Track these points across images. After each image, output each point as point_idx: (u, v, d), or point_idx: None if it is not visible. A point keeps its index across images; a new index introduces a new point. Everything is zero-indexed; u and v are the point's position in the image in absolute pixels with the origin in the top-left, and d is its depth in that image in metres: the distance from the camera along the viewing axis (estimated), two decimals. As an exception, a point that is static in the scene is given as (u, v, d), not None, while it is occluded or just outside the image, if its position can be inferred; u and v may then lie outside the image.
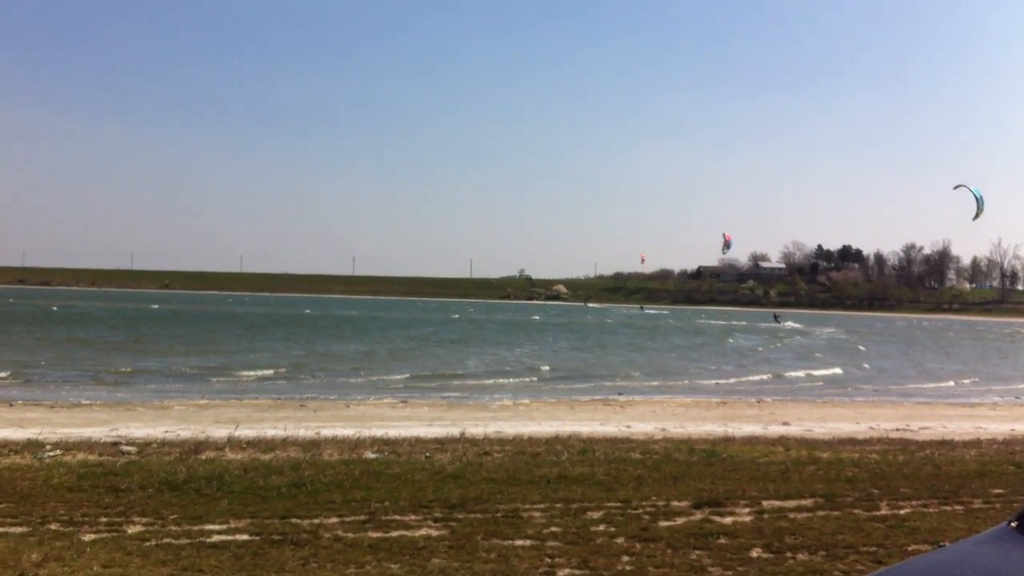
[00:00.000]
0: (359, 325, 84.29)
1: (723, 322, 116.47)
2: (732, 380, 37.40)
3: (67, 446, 13.58)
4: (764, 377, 39.44)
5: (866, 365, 47.68)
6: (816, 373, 41.92)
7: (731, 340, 71.80)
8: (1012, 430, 20.00)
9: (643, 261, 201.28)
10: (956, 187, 27.67)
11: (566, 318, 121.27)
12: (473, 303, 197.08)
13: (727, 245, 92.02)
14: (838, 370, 44.03)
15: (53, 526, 8.61)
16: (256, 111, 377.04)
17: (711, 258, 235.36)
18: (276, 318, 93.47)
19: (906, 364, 51.04)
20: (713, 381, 36.77)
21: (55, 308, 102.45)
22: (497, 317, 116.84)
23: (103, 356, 40.87)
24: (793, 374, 41.39)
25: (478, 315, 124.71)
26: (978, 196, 27.14)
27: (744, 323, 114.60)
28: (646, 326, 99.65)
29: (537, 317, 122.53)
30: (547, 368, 40.88)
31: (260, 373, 34.93)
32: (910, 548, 8.30)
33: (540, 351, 53.91)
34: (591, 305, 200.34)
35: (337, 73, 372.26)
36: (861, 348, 66.57)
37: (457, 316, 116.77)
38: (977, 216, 27.52)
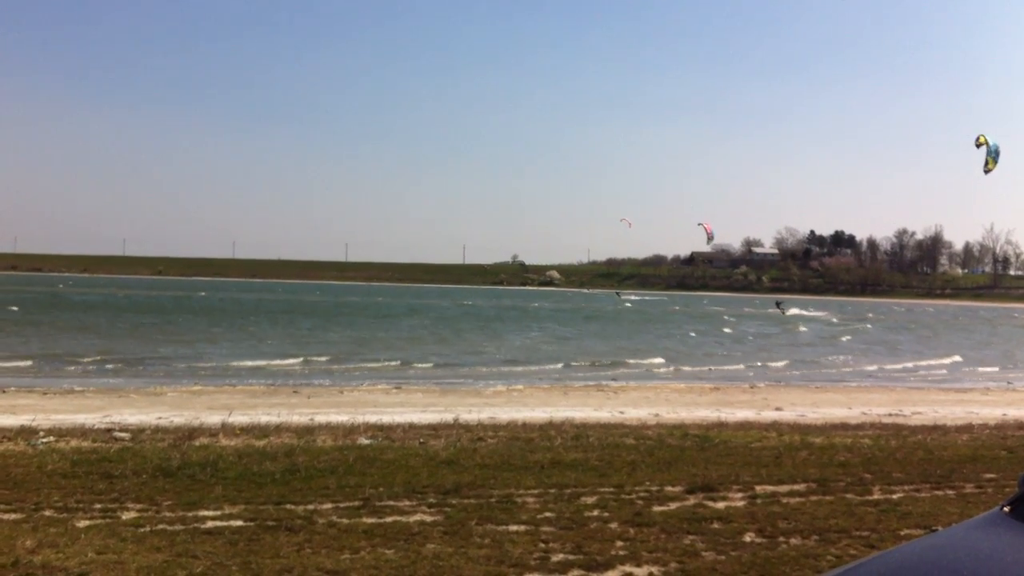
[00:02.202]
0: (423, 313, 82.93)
1: (725, 308, 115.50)
2: (849, 369, 37.87)
3: (61, 432, 13.55)
4: (872, 367, 38.91)
5: (957, 357, 45.24)
6: (926, 363, 41.55)
7: (803, 328, 70.82)
8: (1004, 415, 20.08)
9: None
10: (978, 144, 26.06)
11: (608, 305, 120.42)
12: (493, 290, 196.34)
13: (710, 238, 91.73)
14: (957, 357, 44.07)
15: (47, 512, 8.60)
16: (248, 97, 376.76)
17: (704, 244, 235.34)
18: (347, 308, 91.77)
19: (994, 353, 50.67)
20: (849, 369, 37.26)
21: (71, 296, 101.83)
22: (534, 305, 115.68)
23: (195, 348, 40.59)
24: (907, 364, 40.75)
25: (514, 302, 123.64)
26: (992, 147, 25.65)
27: (750, 310, 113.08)
28: (695, 314, 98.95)
29: (620, 303, 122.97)
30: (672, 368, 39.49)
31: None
32: (903, 533, 8.33)
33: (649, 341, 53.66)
34: (585, 291, 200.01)
35: (329, 59, 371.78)
36: (928, 335, 66.72)
37: (469, 303, 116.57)
38: (989, 169, 25.86)
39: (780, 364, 39.49)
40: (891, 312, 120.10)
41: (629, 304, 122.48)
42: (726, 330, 67.70)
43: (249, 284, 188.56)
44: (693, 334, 62.01)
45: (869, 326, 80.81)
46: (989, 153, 25.28)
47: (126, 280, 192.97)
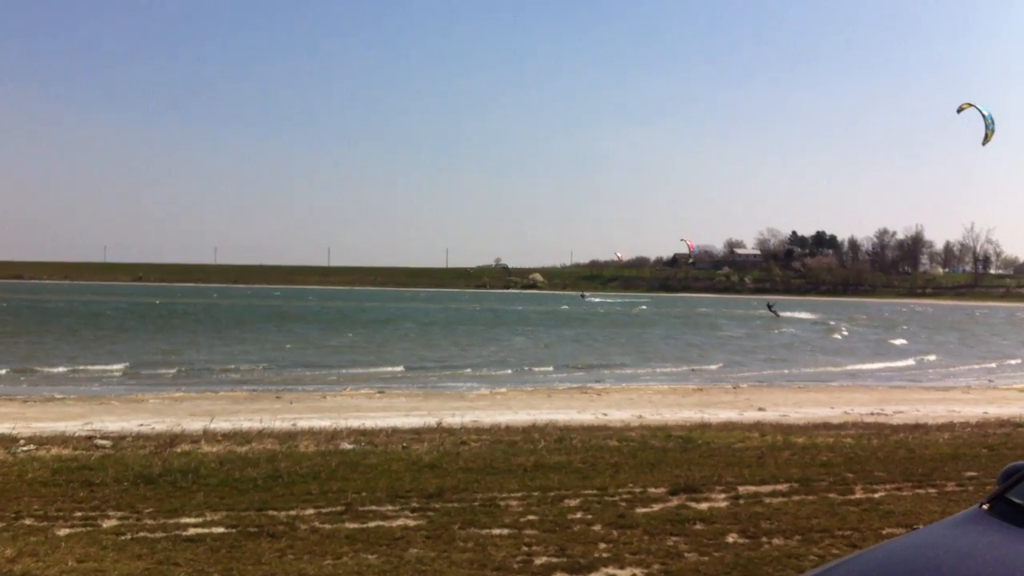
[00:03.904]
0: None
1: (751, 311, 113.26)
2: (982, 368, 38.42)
3: (41, 440, 13.46)
4: (970, 368, 39.47)
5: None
6: (996, 364, 41.85)
7: (844, 332, 68.27)
8: (985, 413, 20.18)
9: (618, 257, 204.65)
10: (960, 109, 24.46)
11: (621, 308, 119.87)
12: (491, 294, 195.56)
13: (691, 255, 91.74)
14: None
15: (27, 521, 8.53)
16: (229, 102, 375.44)
17: (686, 250, 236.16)
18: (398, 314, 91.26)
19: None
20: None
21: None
22: (555, 307, 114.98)
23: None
24: (989, 365, 41.14)
25: (535, 306, 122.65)
26: (987, 116, 24.27)
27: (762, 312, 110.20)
28: (740, 315, 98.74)
29: (644, 306, 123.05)
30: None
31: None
32: (884, 531, 8.37)
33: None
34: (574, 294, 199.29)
35: (311, 64, 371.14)
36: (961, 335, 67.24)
37: (477, 307, 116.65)
38: (987, 140, 24.32)
39: (878, 366, 39.56)
40: (898, 313, 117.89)
41: (644, 307, 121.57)
42: (775, 331, 67.24)
43: (267, 291, 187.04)
44: (742, 335, 61.42)
45: (905, 327, 79.90)
46: (988, 127, 24.29)
47: (122, 288, 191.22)
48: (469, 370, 34.68)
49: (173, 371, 32.16)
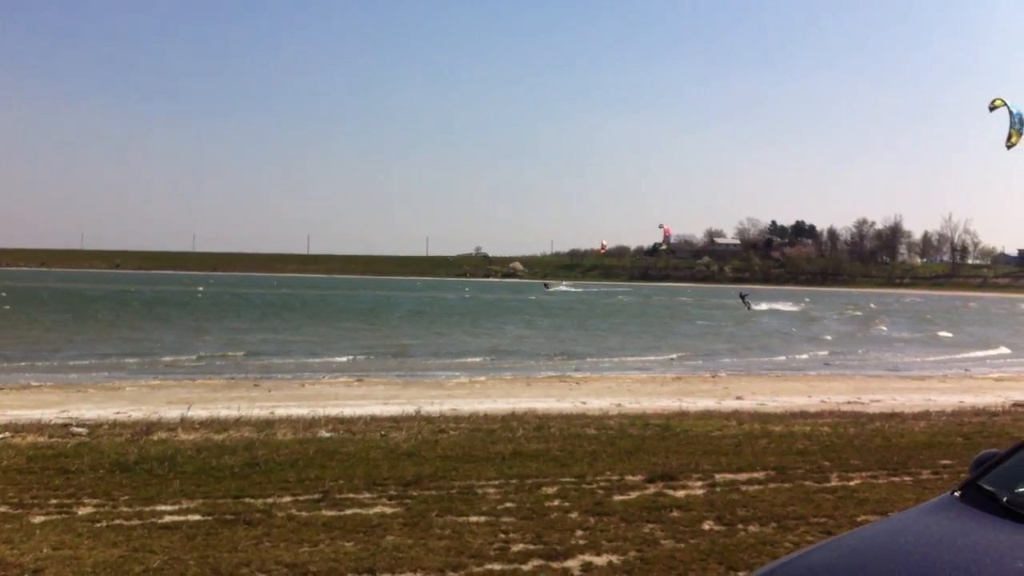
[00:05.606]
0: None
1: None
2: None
3: (16, 428, 13.38)
4: None
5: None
6: None
7: (884, 327, 65.73)
8: (960, 402, 20.32)
9: (603, 246, 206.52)
10: (993, 107, 22.39)
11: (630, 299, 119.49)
12: (482, 283, 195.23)
13: (666, 241, 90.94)
14: None
15: (2, 508, 8.48)
16: (208, 87, 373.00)
17: (666, 239, 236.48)
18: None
19: None
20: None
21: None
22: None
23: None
24: None
25: (538, 296, 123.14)
26: (1018, 116, 22.61)
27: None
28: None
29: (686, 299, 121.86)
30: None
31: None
32: (859, 519, 8.42)
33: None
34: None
35: (292, 51, 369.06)
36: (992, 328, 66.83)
37: (468, 296, 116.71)
38: (1010, 142, 22.25)
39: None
40: (901, 303, 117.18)
41: (632, 297, 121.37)
42: (825, 335, 66.26)
43: (263, 279, 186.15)
44: (794, 330, 59.71)
45: (929, 316, 79.85)
46: (1013, 126, 22.54)
47: (115, 276, 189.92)
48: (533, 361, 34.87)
49: (258, 362, 32.35)
